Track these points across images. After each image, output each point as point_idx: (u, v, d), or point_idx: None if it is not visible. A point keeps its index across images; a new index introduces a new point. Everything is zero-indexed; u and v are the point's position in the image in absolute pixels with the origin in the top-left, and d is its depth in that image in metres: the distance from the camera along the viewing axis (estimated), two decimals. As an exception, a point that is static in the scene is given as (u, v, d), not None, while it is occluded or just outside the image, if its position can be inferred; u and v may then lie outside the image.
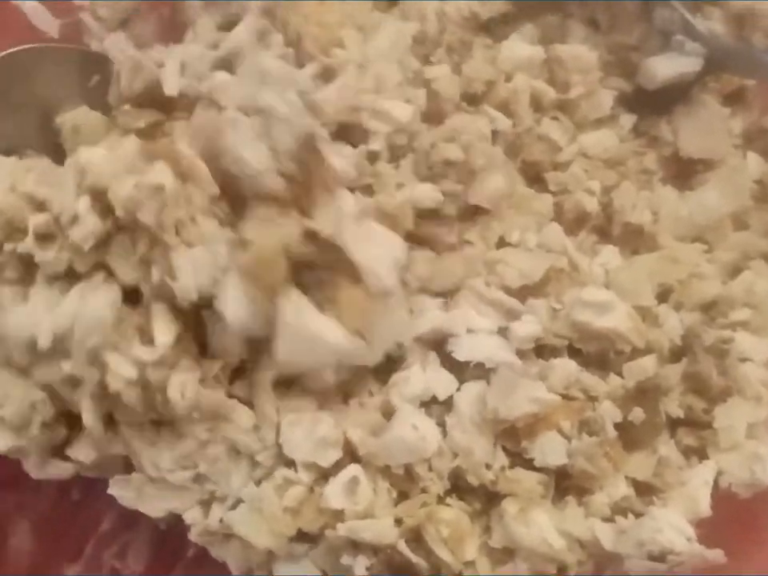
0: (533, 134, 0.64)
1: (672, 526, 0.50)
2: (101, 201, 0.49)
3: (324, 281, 0.51)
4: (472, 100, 0.64)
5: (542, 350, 0.57)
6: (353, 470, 0.53)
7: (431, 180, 0.60)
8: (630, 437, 0.55)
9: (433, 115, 0.62)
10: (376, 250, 0.54)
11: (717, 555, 0.50)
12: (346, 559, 0.52)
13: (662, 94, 0.65)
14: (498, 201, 0.61)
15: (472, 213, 0.61)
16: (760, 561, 0.52)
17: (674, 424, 0.57)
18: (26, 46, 0.64)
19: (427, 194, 0.59)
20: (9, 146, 0.60)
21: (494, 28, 0.69)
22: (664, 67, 0.63)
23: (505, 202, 0.61)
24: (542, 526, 0.51)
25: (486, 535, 0.53)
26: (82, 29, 0.73)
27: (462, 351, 0.55)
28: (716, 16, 0.65)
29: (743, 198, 0.63)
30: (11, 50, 0.62)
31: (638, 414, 0.54)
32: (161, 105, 0.58)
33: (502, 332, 0.57)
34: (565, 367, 0.55)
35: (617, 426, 0.54)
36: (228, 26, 0.71)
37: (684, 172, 0.65)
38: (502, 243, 0.61)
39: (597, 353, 0.57)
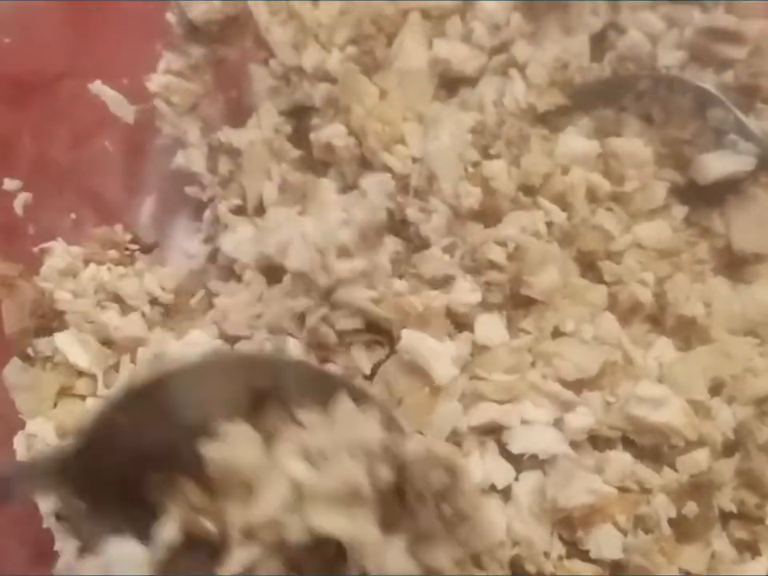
0: (587, 224, 0.66)
1: (726, 623, 0.52)
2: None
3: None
4: (528, 191, 0.67)
5: (596, 441, 0.60)
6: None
7: (477, 271, 0.63)
8: (683, 530, 0.57)
9: (489, 211, 0.65)
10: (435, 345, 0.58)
11: None
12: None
13: (713, 186, 0.67)
14: (552, 293, 0.63)
15: (526, 302, 0.64)
16: None
17: (726, 518, 0.59)
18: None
19: (464, 295, 0.62)
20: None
21: (550, 120, 0.72)
22: (717, 165, 0.66)
23: (559, 293, 0.64)
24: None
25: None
26: (156, 114, 0.78)
27: (516, 444, 0.58)
28: (767, 114, 0.68)
29: None
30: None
31: (691, 508, 0.56)
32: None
33: (558, 423, 0.59)
34: (620, 460, 0.58)
35: (671, 519, 0.56)
36: (291, 111, 0.75)
37: (736, 263, 0.67)
38: (557, 333, 0.63)
39: (651, 446, 0.59)
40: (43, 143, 0.74)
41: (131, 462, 0.45)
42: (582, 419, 0.58)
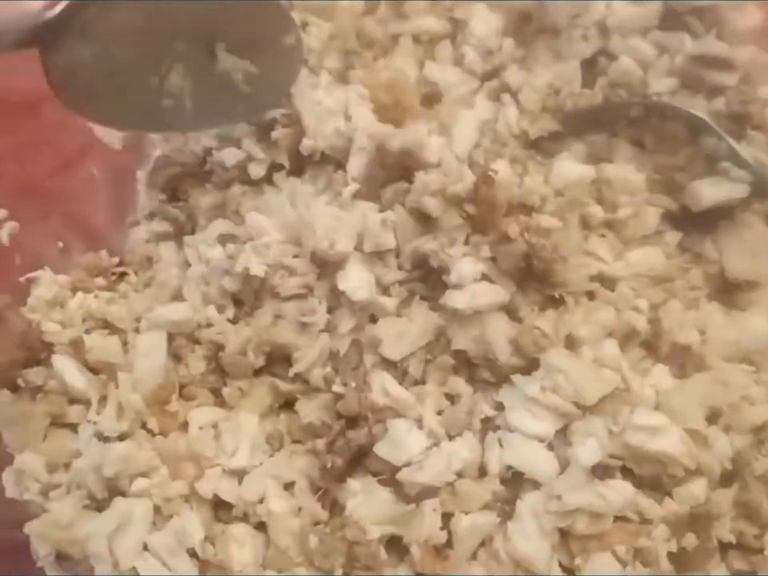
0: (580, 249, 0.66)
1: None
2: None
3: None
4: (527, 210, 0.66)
5: (596, 468, 0.59)
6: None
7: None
8: (682, 561, 0.57)
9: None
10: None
11: None
12: None
13: (706, 213, 0.67)
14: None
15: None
16: None
17: (725, 548, 0.59)
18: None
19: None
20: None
21: (542, 145, 0.73)
22: (711, 192, 0.66)
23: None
24: None
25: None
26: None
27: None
28: (759, 142, 0.69)
29: None
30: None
31: (690, 540, 0.57)
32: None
33: (559, 434, 0.59)
34: (621, 489, 0.57)
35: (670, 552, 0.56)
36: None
37: (729, 290, 0.68)
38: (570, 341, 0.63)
39: (650, 475, 0.59)
40: (28, 168, 0.74)
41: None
42: (590, 454, 0.58)
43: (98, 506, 0.57)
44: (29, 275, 0.67)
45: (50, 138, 0.75)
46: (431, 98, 0.74)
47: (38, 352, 0.61)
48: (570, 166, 0.69)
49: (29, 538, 0.56)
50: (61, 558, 0.55)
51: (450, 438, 0.61)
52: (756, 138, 0.69)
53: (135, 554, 0.54)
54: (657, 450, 0.57)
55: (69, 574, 0.54)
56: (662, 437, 0.58)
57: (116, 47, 0.60)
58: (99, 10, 0.58)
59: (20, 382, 0.62)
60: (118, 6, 0.59)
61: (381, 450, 0.58)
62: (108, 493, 0.57)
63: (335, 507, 0.60)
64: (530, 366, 0.61)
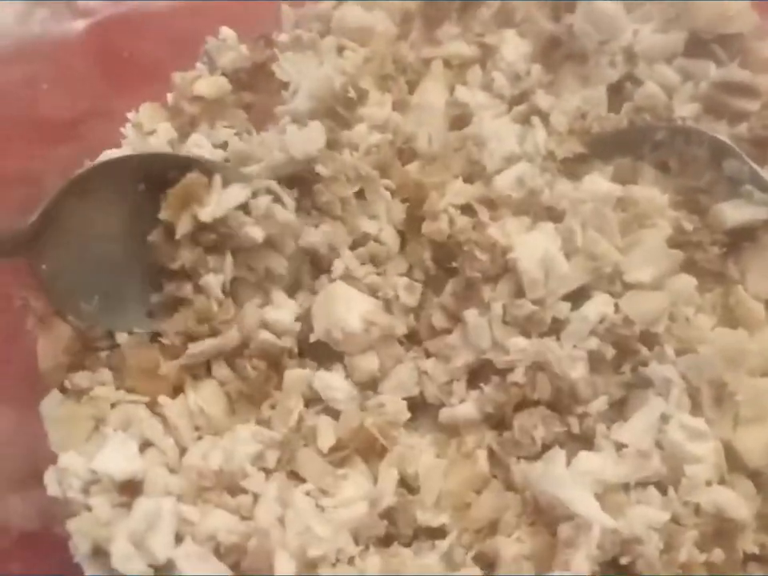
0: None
1: None
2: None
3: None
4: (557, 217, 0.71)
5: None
6: None
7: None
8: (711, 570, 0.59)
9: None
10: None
11: None
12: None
13: (731, 233, 0.70)
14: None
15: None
16: None
17: (746, 559, 0.61)
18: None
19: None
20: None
21: (570, 167, 0.75)
22: (734, 214, 0.69)
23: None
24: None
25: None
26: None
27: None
28: None
29: None
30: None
31: (718, 554, 0.59)
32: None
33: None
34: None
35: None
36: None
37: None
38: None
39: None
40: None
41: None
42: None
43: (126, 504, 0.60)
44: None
45: (94, 155, 0.78)
46: (461, 119, 0.78)
47: (82, 358, 0.65)
48: (599, 181, 0.72)
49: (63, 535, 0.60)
50: (99, 554, 0.57)
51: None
52: None
53: (169, 546, 0.56)
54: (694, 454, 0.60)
55: (105, 571, 0.57)
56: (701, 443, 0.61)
57: (94, 244, 0.66)
58: (73, 210, 0.65)
59: (67, 384, 0.65)
60: (88, 205, 0.66)
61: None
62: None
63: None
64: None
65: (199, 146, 0.73)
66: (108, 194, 0.66)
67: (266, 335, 0.66)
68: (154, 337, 0.67)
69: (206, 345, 0.65)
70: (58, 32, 0.80)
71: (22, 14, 0.79)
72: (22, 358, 0.65)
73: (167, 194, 0.64)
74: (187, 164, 0.67)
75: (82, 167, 0.70)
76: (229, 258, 0.67)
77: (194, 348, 0.65)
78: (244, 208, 0.67)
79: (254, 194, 0.67)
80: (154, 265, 0.67)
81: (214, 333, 0.66)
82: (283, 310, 0.67)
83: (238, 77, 0.80)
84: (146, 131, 0.77)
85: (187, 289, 0.66)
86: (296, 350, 0.68)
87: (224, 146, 0.75)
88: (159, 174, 0.66)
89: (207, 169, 0.66)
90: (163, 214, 0.65)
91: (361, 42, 0.82)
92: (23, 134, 0.71)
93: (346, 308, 0.66)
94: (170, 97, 0.80)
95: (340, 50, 0.82)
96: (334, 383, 0.67)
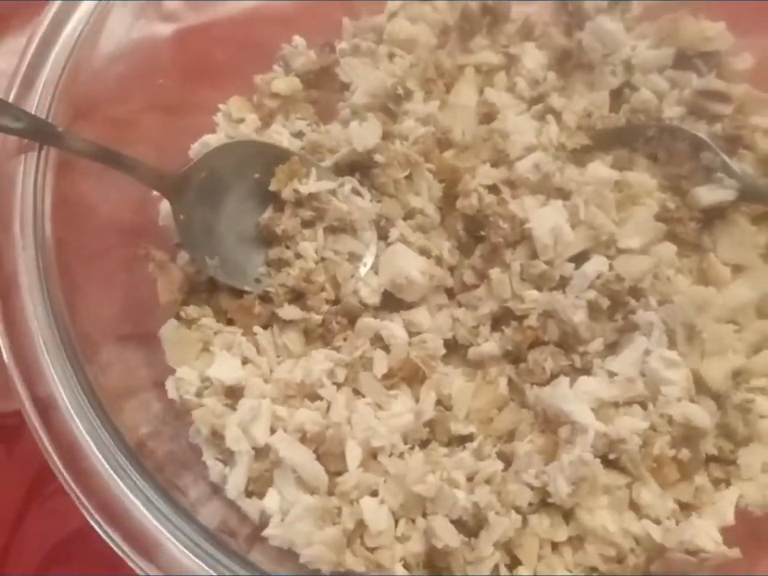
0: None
1: (705, 532, 0.69)
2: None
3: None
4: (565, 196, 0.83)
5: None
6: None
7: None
8: (681, 469, 0.73)
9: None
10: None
11: (735, 554, 0.68)
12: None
13: (705, 211, 0.82)
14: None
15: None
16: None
17: (707, 459, 0.75)
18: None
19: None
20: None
21: (577, 156, 0.87)
22: (708, 196, 0.80)
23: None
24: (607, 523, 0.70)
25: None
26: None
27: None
28: (748, 159, 0.84)
29: (765, 294, 0.79)
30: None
31: (685, 453, 0.73)
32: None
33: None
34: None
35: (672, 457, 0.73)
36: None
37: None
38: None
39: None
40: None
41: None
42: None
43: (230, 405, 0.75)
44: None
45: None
46: (489, 115, 0.89)
47: (190, 294, 0.80)
48: (601, 167, 0.83)
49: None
50: (215, 436, 0.72)
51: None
52: (745, 156, 0.83)
53: (266, 434, 0.72)
54: (669, 378, 0.73)
55: (218, 451, 0.73)
56: (675, 370, 0.74)
57: (219, 212, 0.79)
58: (206, 177, 0.78)
59: (182, 314, 0.79)
60: (216, 175, 0.79)
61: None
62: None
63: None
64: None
65: (279, 133, 0.86)
66: (231, 170, 0.79)
67: (355, 300, 0.80)
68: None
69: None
70: (152, 35, 0.90)
71: (127, 22, 0.92)
72: (145, 293, 0.78)
73: (276, 170, 0.79)
74: (289, 155, 0.81)
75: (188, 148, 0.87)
76: (320, 230, 0.80)
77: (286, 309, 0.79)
78: (333, 193, 0.81)
79: (341, 184, 0.81)
80: (263, 238, 0.81)
81: (308, 291, 0.79)
82: (371, 281, 0.81)
83: (308, 77, 0.91)
84: (234, 119, 0.90)
85: (288, 253, 0.79)
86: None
87: (298, 134, 0.87)
88: (268, 160, 0.80)
89: (305, 159, 0.81)
90: (273, 185, 0.79)
91: (407, 50, 0.91)
92: (148, 116, 0.84)
93: (407, 263, 0.79)
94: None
95: (390, 56, 0.91)
96: (395, 332, 0.79)
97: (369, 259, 0.81)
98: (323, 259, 0.80)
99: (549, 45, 0.92)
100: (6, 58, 1.06)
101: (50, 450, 0.61)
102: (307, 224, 0.81)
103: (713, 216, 0.82)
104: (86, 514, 0.60)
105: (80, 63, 0.74)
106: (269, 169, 0.80)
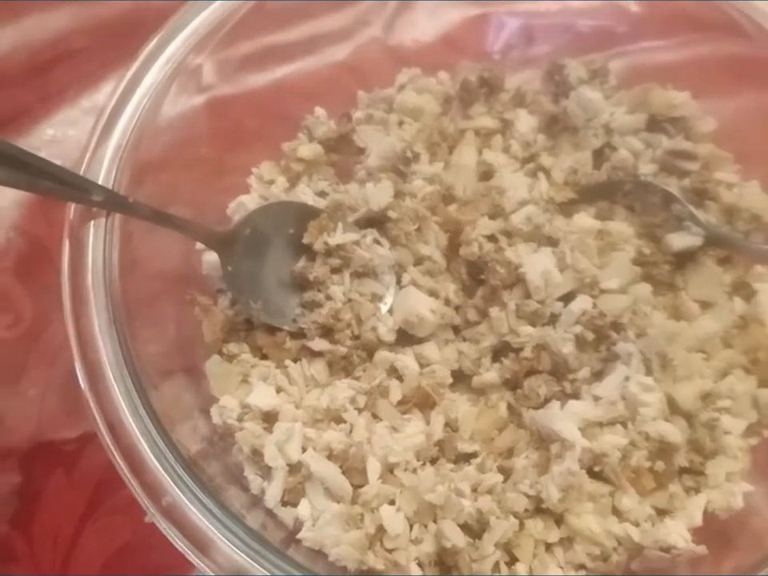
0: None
1: (677, 531, 0.78)
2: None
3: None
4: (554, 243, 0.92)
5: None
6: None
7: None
8: (656, 479, 0.83)
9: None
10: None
11: (702, 550, 0.75)
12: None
13: (677, 256, 0.92)
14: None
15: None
16: (732, 559, 0.80)
17: (680, 471, 0.82)
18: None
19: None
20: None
21: (564, 209, 0.96)
22: (678, 242, 0.88)
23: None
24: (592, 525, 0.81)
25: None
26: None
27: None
28: (713, 209, 0.94)
29: (729, 327, 0.87)
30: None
31: (660, 465, 0.83)
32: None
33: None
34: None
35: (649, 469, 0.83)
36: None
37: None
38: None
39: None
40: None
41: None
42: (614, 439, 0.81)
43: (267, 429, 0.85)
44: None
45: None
46: (487, 174, 0.99)
47: (231, 334, 0.92)
48: (585, 218, 0.91)
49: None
50: (255, 455, 0.82)
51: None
52: (710, 207, 0.92)
53: (298, 453, 0.82)
54: (647, 401, 0.82)
55: (258, 468, 0.84)
56: (651, 394, 0.83)
57: (262, 262, 0.90)
58: (250, 232, 0.89)
59: (224, 350, 0.88)
60: (259, 231, 0.90)
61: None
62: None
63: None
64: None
65: (304, 193, 0.97)
66: (270, 227, 0.91)
67: (373, 336, 0.89)
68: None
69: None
70: (189, 105, 1.00)
71: (162, 93, 1.02)
72: (191, 333, 0.89)
73: (309, 225, 0.91)
74: (318, 212, 0.92)
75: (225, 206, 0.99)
76: (347, 275, 0.91)
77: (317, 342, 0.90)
78: (357, 243, 0.92)
79: (363, 236, 0.92)
80: (298, 284, 0.92)
81: (336, 327, 0.88)
82: (387, 321, 0.90)
83: (329, 143, 1.00)
84: (265, 181, 1.02)
85: (320, 296, 0.90)
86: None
87: (320, 194, 0.98)
88: (301, 218, 0.91)
89: (332, 215, 0.93)
90: (306, 239, 0.90)
91: (415, 117, 1.00)
92: (193, 175, 0.96)
93: (417, 303, 0.89)
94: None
95: (400, 123, 0.99)
96: (408, 363, 0.88)
97: (389, 299, 0.92)
98: (349, 300, 0.91)
99: (539, 111, 1.00)
100: (61, 128, 1.21)
101: (122, 465, 0.72)
102: (335, 270, 0.92)
103: (684, 259, 0.89)
104: (153, 519, 0.71)
105: (139, 137, 0.86)
106: (302, 224, 0.91)
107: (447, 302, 0.93)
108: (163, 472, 0.72)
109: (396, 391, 0.89)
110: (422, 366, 0.91)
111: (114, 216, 0.81)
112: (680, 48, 1.03)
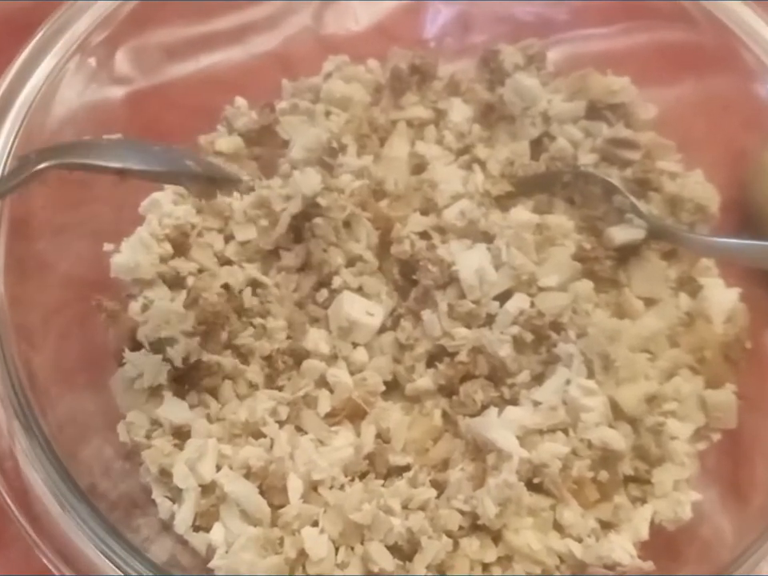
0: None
1: (621, 547, 0.74)
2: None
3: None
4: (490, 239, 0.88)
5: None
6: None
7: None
8: (600, 490, 0.79)
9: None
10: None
11: (649, 566, 0.73)
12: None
13: (620, 250, 0.88)
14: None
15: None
16: (681, 573, 0.76)
17: (625, 480, 0.80)
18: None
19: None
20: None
21: (501, 202, 0.93)
22: (619, 235, 0.85)
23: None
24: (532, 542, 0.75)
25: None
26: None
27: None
28: (656, 200, 0.91)
29: (675, 324, 0.85)
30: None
31: (604, 475, 0.78)
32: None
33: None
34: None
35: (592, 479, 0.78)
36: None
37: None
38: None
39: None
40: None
41: None
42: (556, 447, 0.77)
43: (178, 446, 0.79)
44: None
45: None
46: (420, 166, 0.95)
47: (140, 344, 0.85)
48: (522, 212, 0.89)
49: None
50: (163, 475, 0.76)
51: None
52: (653, 198, 0.89)
53: (212, 472, 0.76)
54: (588, 405, 0.78)
55: (167, 489, 0.77)
56: (593, 398, 0.79)
57: None
58: None
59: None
60: None
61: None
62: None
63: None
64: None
65: None
66: None
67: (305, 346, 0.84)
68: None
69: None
70: (105, 99, 0.95)
71: (79, 87, 0.96)
72: (98, 345, 0.83)
73: None
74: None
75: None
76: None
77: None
78: None
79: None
80: None
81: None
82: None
83: (250, 135, 0.95)
84: None
85: None
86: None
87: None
88: None
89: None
90: None
91: (343, 108, 0.95)
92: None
93: (352, 307, 0.84)
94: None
95: (327, 114, 0.95)
96: (340, 376, 0.83)
97: None
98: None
99: (473, 99, 0.97)
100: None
101: (6, 497, 0.65)
102: None
103: (627, 254, 0.87)
104: (41, 555, 0.64)
105: (33, 129, 0.79)
106: None
107: (379, 303, 0.88)
108: (54, 502, 0.64)
109: (325, 402, 0.83)
110: (352, 373, 0.85)
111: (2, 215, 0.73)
112: (621, 36, 1.01)
